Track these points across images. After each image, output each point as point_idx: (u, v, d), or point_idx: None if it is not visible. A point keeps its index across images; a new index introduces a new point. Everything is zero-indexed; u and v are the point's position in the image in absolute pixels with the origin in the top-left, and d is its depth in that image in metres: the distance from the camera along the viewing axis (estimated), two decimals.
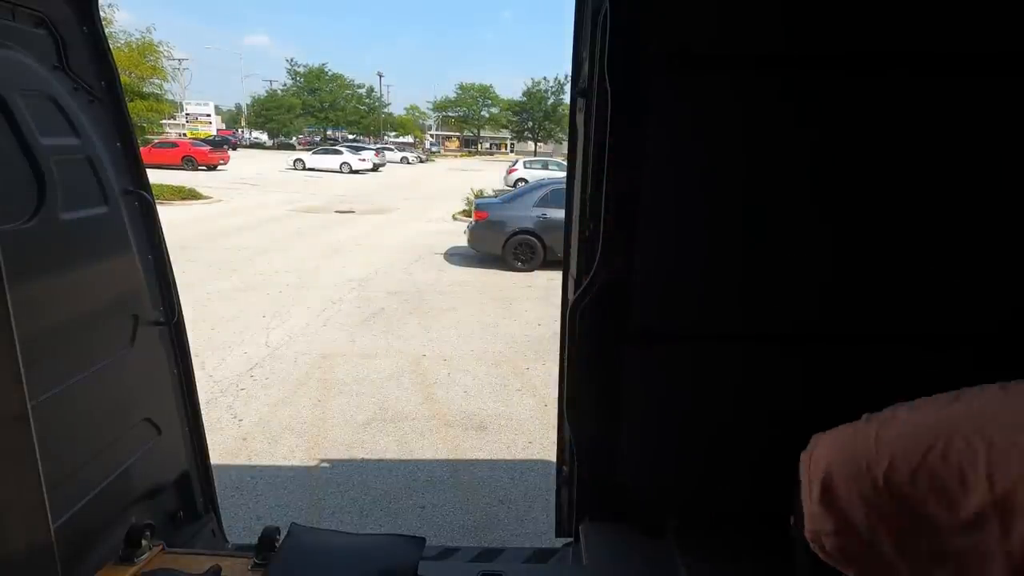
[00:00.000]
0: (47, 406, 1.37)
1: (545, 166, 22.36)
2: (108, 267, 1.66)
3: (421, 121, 67.16)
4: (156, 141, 23.12)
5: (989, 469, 0.64)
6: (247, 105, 57.10)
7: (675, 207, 1.63)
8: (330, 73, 55.44)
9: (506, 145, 64.39)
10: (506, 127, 57.72)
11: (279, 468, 3.16)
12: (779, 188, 1.60)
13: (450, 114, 61.60)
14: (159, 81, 18.53)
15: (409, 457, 3.32)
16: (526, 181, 16.51)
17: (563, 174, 4.19)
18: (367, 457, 3.31)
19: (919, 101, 1.49)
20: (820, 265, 1.66)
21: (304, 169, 27.84)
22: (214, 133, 47.29)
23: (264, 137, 53.98)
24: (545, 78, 55.71)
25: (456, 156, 56.22)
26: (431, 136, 67.80)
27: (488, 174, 25.97)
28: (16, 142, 1.37)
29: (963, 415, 0.69)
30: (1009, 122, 1.47)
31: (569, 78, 1.95)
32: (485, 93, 58.75)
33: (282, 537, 1.67)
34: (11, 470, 0.91)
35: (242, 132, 57.44)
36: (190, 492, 2.00)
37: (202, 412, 2.04)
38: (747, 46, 1.49)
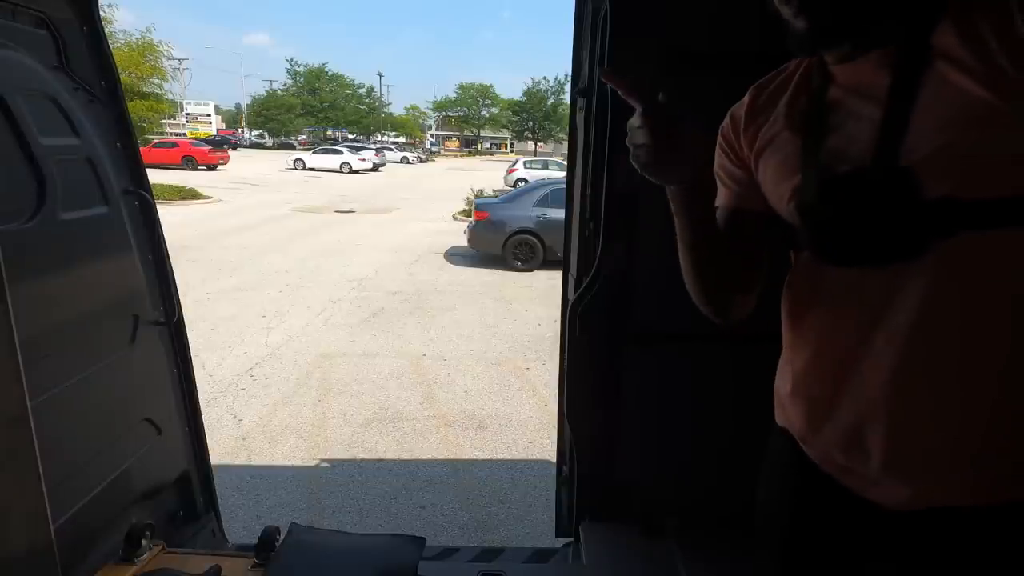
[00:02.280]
0: (47, 406, 1.37)
1: (545, 166, 22.33)
2: (108, 267, 1.66)
3: (421, 121, 67.16)
4: (156, 141, 23.08)
5: None
6: (247, 105, 57.11)
7: None
8: (330, 73, 55.44)
9: (506, 145, 64.33)
10: (506, 127, 57.67)
11: (279, 468, 3.16)
12: None
13: (450, 114, 61.58)
14: (159, 81, 18.52)
15: (409, 457, 3.32)
16: (526, 181, 16.48)
17: (563, 174, 4.18)
18: (367, 457, 3.31)
19: None
20: None
21: (304, 169, 27.81)
22: (214, 133, 47.31)
23: (264, 137, 53.94)
24: (545, 78, 55.79)
25: (456, 156, 56.18)
26: (431, 136, 67.78)
27: (488, 174, 25.95)
28: (16, 142, 1.37)
29: None
30: None
31: (569, 78, 1.95)
32: (485, 93, 58.73)
33: (282, 537, 1.68)
34: (11, 470, 0.91)
35: (242, 132, 57.39)
36: (190, 492, 2.00)
37: (202, 412, 2.04)
38: (747, 44, 1.49)
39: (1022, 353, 0.62)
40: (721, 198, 0.90)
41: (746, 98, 0.86)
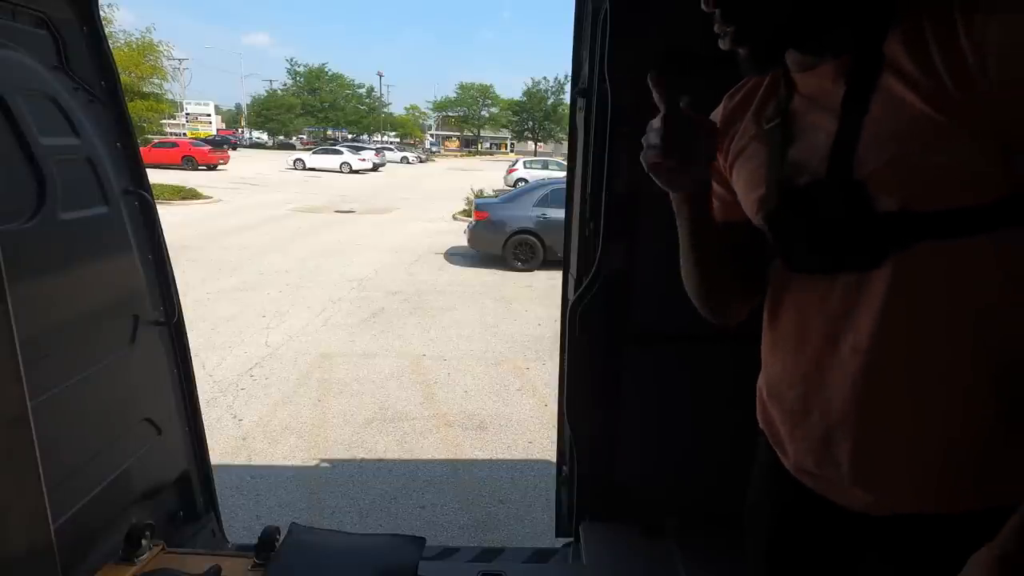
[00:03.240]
0: (47, 406, 1.37)
1: (545, 166, 22.32)
2: (108, 267, 1.66)
3: (421, 121, 67.14)
4: (156, 141, 23.06)
5: None
6: (247, 105, 57.09)
7: None
8: (330, 73, 55.44)
9: (506, 145, 64.32)
10: (506, 127, 57.66)
11: (279, 468, 3.16)
12: None
13: (450, 114, 61.59)
14: (159, 81, 18.52)
15: (409, 457, 3.32)
16: (526, 181, 16.48)
17: (563, 174, 4.18)
18: (367, 457, 3.31)
19: None
20: None
21: (304, 169, 27.80)
22: (214, 133, 47.29)
23: (264, 137, 53.92)
24: (545, 78, 55.79)
25: (456, 156, 56.14)
26: (431, 136, 67.76)
27: (488, 174, 25.95)
28: (16, 142, 1.36)
29: None
30: None
31: (569, 78, 1.95)
32: (485, 93, 58.72)
33: (282, 537, 1.68)
34: (11, 470, 0.91)
35: (243, 132, 57.36)
36: (190, 492, 2.00)
37: (202, 412, 2.04)
38: None
39: (981, 362, 0.62)
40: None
41: (719, 108, 0.86)
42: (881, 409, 0.67)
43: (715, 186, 0.88)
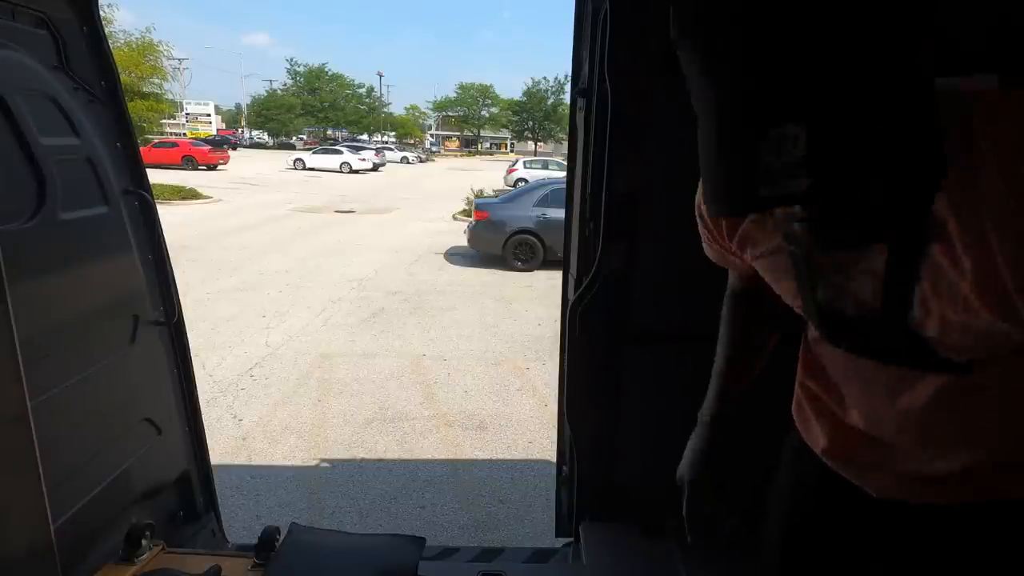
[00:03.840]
0: (47, 406, 1.37)
1: (545, 166, 22.32)
2: (108, 267, 1.66)
3: (421, 121, 67.14)
4: (156, 141, 23.05)
5: None
6: (247, 105, 57.09)
7: (675, 206, 1.63)
8: (330, 73, 55.48)
9: (506, 145, 64.34)
10: (506, 127, 57.67)
11: (279, 468, 3.16)
12: None
13: (450, 114, 61.60)
14: (159, 81, 18.53)
15: (409, 457, 3.32)
16: (526, 181, 16.48)
17: (563, 174, 4.19)
18: (367, 457, 3.31)
19: None
20: None
21: (304, 169, 27.81)
22: (214, 133, 47.32)
23: (265, 137, 53.94)
24: (545, 78, 55.81)
25: (456, 156, 56.14)
26: (431, 136, 67.77)
27: (488, 174, 25.95)
28: (16, 142, 1.36)
29: None
30: None
31: (569, 78, 1.95)
32: (485, 93, 58.73)
33: (282, 537, 1.67)
34: (11, 470, 0.91)
35: (243, 132, 57.37)
36: (190, 492, 2.00)
37: (202, 412, 2.04)
38: None
39: None
40: (731, 275, 0.93)
41: None
42: (923, 438, 0.68)
43: (731, 259, 0.84)
